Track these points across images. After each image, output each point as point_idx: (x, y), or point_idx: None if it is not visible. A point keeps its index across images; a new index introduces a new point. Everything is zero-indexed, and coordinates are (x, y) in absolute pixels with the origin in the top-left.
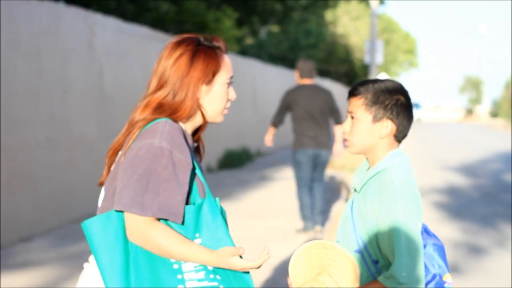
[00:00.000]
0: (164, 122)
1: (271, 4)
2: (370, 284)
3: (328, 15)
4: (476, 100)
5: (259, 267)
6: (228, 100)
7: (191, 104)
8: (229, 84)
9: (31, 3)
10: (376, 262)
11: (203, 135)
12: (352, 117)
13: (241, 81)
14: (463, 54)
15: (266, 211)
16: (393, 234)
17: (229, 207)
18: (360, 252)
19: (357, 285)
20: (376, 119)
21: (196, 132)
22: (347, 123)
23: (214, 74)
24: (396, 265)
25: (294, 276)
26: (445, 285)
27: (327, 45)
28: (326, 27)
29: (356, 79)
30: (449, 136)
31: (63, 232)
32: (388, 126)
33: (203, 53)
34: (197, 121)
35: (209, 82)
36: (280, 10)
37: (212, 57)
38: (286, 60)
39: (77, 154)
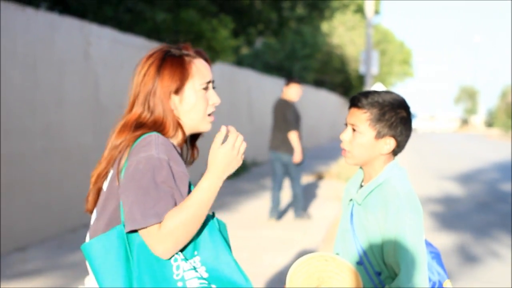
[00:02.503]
0: (156, 135)
1: (267, 15)
2: None
3: (324, 25)
4: (472, 110)
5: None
6: (208, 105)
7: (172, 118)
8: (207, 88)
9: (27, 13)
10: (379, 274)
11: (199, 145)
12: (354, 129)
13: (236, 90)
14: (458, 64)
15: (261, 220)
16: (401, 245)
17: (224, 217)
18: (362, 263)
19: None
20: (379, 136)
21: (191, 141)
22: (347, 133)
23: (182, 81)
24: (402, 276)
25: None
26: None
27: (322, 55)
28: (322, 38)
29: (351, 89)
30: (445, 146)
31: (58, 242)
32: (390, 144)
33: (170, 62)
34: (179, 135)
35: (177, 91)
36: (276, 21)
37: (178, 65)
38: (282, 70)
39: (73, 164)
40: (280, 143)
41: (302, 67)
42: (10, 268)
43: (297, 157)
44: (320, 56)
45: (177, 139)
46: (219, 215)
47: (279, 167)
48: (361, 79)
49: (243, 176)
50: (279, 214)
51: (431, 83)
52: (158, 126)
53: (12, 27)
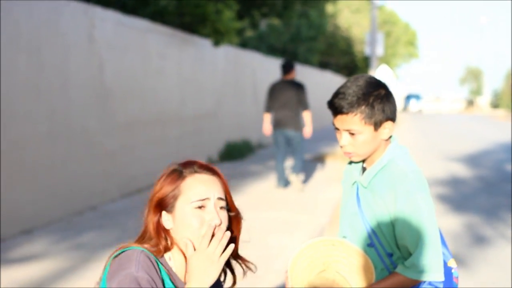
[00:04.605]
0: (138, 251)
1: None
2: (390, 277)
3: (329, 8)
4: (477, 91)
5: None
6: (204, 225)
7: (152, 229)
8: (203, 206)
9: None
10: (390, 255)
11: (204, 127)
12: (351, 133)
13: (241, 73)
14: (464, 45)
15: (267, 202)
16: (416, 224)
17: None
18: (373, 245)
19: (373, 281)
20: (377, 126)
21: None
22: (345, 139)
23: (169, 199)
24: (418, 254)
25: (292, 274)
26: (452, 270)
27: (328, 37)
28: (327, 19)
29: (356, 71)
30: (451, 127)
31: (64, 225)
32: (389, 126)
33: (165, 179)
34: (176, 256)
35: (166, 208)
36: (280, 3)
37: (168, 183)
38: (287, 52)
39: (78, 147)
40: (290, 121)
41: (307, 49)
42: (16, 251)
43: (309, 132)
44: (325, 38)
45: (177, 261)
46: None
47: (283, 142)
48: (366, 60)
49: (249, 158)
50: (285, 182)
51: (436, 64)
52: (140, 237)
53: (16, 10)
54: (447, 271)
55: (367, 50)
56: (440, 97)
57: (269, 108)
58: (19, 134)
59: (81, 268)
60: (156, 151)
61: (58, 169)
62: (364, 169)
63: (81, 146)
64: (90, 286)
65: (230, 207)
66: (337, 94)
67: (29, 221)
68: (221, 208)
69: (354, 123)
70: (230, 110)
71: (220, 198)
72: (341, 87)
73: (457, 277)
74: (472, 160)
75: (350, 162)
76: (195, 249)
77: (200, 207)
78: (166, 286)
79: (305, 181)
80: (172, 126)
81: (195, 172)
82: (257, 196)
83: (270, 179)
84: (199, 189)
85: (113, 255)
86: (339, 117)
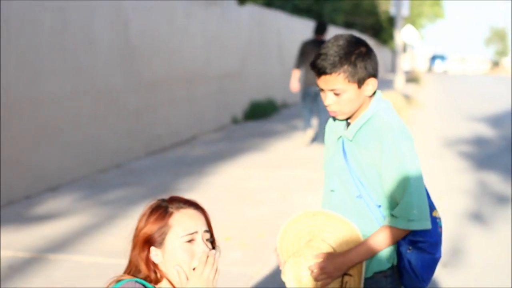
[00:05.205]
0: (133, 283)
1: None
2: (378, 232)
3: None
4: (502, 52)
5: None
6: (194, 258)
7: (143, 264)
8: (192, 240)
9: None
10: (379, 206)
11: (229, 86)
12: (336, 94)
13: (266, 32)
14: (489, 5)
15: (291, 161)
16: (402, 174)
17: (255, 157)
18: (362, 197)
19: (359, 241)
20: (361, 84)
21: None
22: (330, 98)
23: (156, 235)
24: (406, 203)
25: (281, 248)
26: (437, 220)
27: None
28: None
29: (382, 31)
30: (476, 88)
31: (89, 182)
32: (372, 83)
33: (149, 214)
34: None
35: (154, 243)
36: None
37: (154, 219)
38: (312, 12)
39: (103, 105)
40: None
41: (332, 9)
42: (43, 208)
43: None
44: None
45: None
46: (249, 156)
47: (311, 99)
48: (391, 21)
49: (273, 117)
50: (311, 139)
51: (462, 24)
52: (131, 268)
53: None
54: (433, 221)
55: (392, 10)
56: (465, 58)
57: (299, 65)
58: (45, 92)
59: (106, 225)
60: (181, 110)
61: (83, 127)
62: (348, 124)
63: (106, 105)
64: (115, 243)
65: (212, 239)
66: (319, 55)
67: (54, 179)
68: (207, 240)
69: (338, 83)
70: (255, 69)
71: (206, 231)
72: (322, 48)
73: (441, 227)
74: (496, 120)
75: (334, 119)
76: (187, 277)
77: (189, 241)
78: None
79: None
80: (197, 85)
81: (181, 207)
82: (282, 154)
83: (295, 138)
84: (188, 223)
85: None
86: (323, 77)
